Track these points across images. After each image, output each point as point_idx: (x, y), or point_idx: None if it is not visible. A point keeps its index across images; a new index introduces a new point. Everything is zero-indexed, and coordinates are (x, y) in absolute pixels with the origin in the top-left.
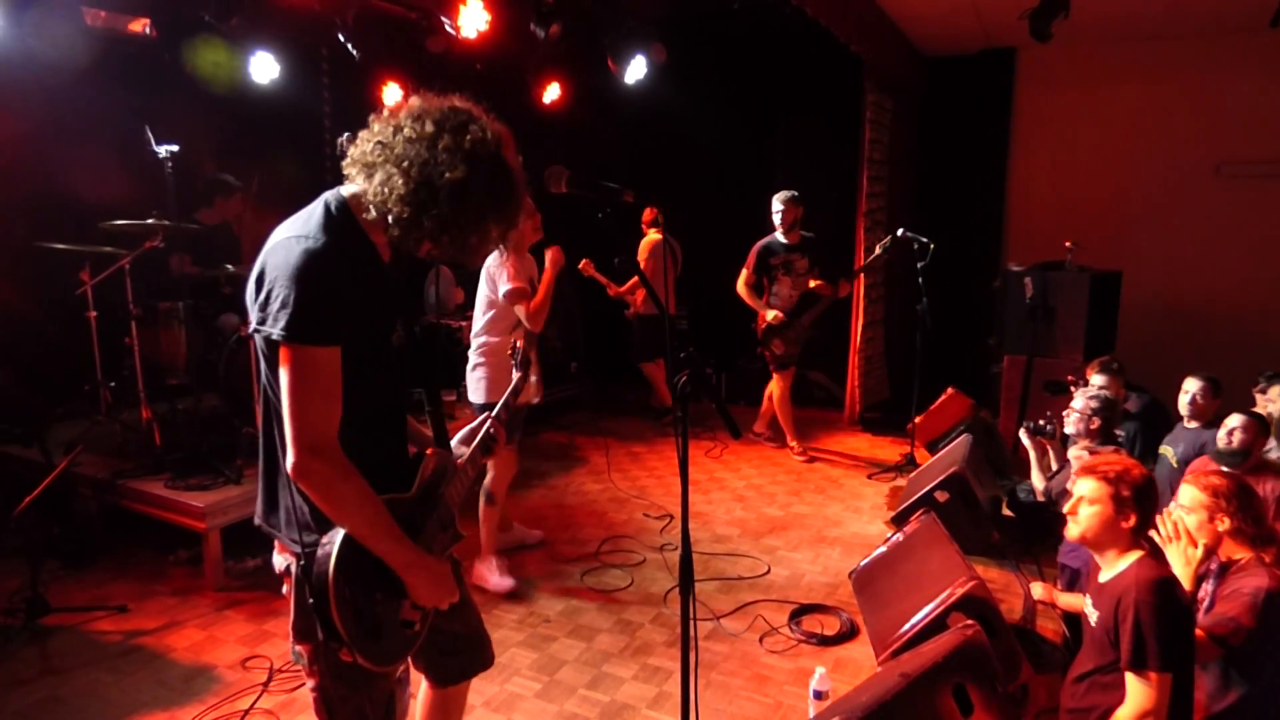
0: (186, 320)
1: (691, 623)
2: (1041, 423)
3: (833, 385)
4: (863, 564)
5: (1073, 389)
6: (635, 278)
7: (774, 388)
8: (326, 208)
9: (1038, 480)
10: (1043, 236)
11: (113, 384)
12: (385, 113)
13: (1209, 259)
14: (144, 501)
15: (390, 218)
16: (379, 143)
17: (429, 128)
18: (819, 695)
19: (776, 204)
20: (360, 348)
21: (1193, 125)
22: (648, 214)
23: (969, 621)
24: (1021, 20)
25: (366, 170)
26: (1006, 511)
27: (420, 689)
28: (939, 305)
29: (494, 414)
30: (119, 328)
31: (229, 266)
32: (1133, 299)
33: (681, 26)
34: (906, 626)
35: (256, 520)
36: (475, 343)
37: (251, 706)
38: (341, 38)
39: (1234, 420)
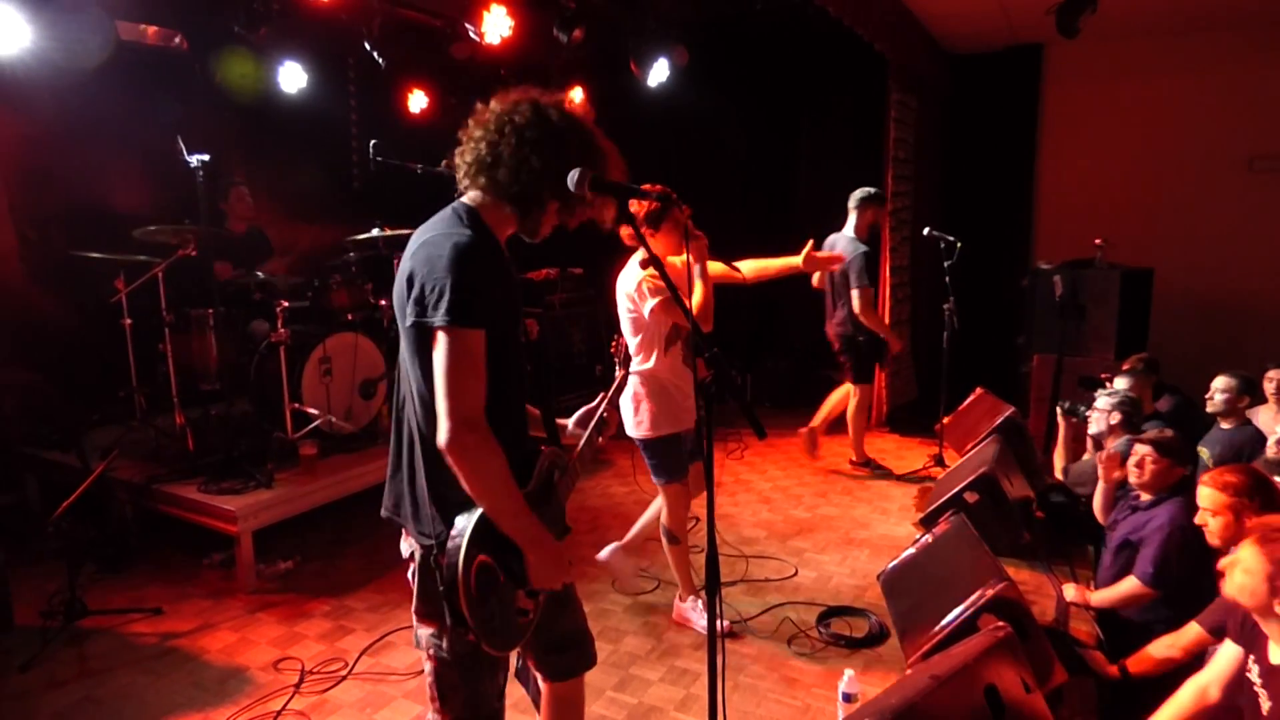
0: (218, 326)
1: (719, 624)
2: (1081, 406)
3: None
4: (891, 566)
5: (1108, 384)
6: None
7: (860, 399)
8: (456, 212)
9: (1058, 458)
10: (1072, 234)
11: (147, 390)
12: (472, 123)
13: (1243, 254)
14: (178, 505)
15: (526, 198)
16: (489, 144)
17: (529, 112)
18: (848, 698)
19: (876, 204)
20: (493, 339)
21: (1225, 119)
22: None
23: (1000, 623)
24: (1048, 16)
25: (487, 171)
26: (1037, 512)
27: (541, 687)
28: (967, 304)
29: (609, 397)
30: (153, 334)
31: (259, 274)
32: (1165, 296)
33: (704, 29)
34: (936, 629)
35: (384, 512)
36: (632, 373)
37: (284, 708)
38: (367, 46)
39: None
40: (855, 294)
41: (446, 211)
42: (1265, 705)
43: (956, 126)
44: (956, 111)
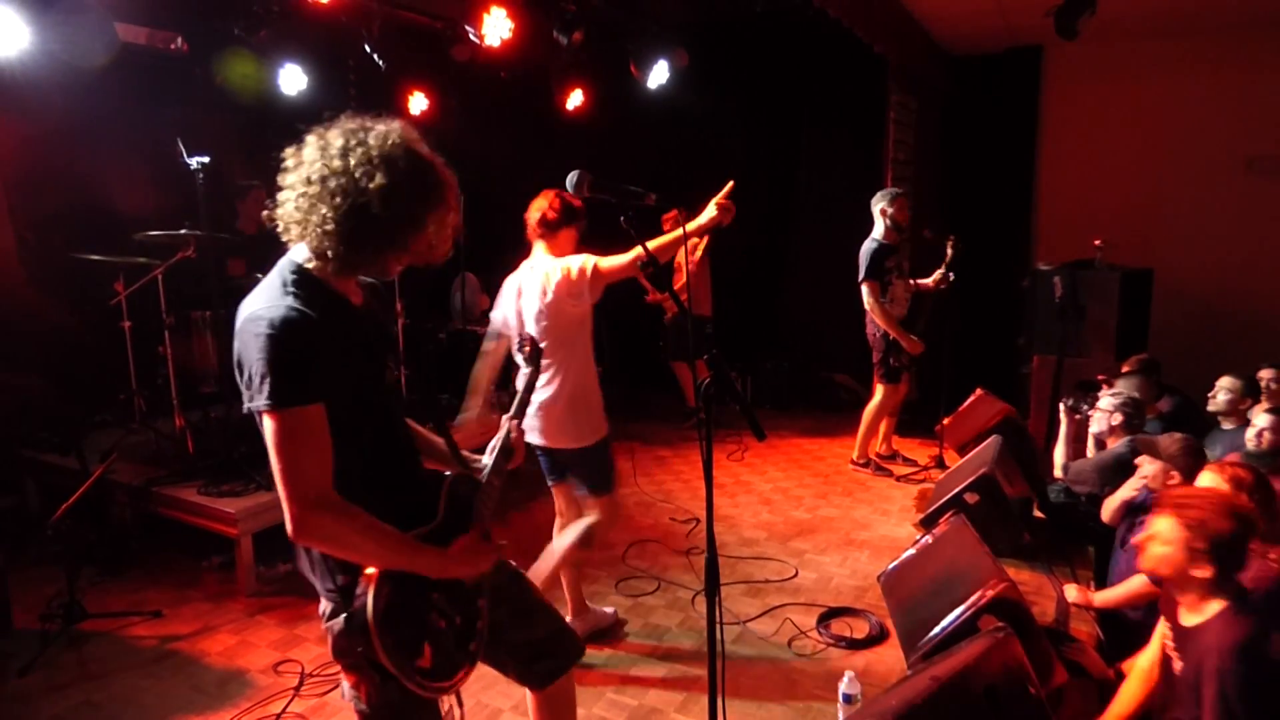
0: (218, 329)
1: (719, 627)
2: (1084, 403)
3: (859, 387)
4: (892, 567)
5: (1105, 387)
6: (677, 285)
7: (882, 400)
8: (282, 276)
9: (1059, 454)
10: (1072, 235)
11: (147, 392)
12: (290, 164)
13: (1242, 255)
14: (178, 508)
15: (339, 255)
16: (300, 194)
17: (336, 156)
18: (848, 699)
19: (886, 202)
20: (348, 400)
21: (1224, 120)
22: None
23: (1000, 624)
24: (1047, 18)
25: (299, 225)
26: (1037, 513)
27: (526, 697)
28: (967, 305)
29: (512, 415)
30: (152, 337)
31: (259, 275)
32: (1165, 297)
33: (703, 30)
34: (937, 630)
35: (299, 565)
36: (555, 381)
37: (284, 710)
38: (367, 48)
39: (1262, 420)
40: (863, 294)
41: (272, 274)
42: (1177, 666)
43: (956, 128)
44: (956, 113)
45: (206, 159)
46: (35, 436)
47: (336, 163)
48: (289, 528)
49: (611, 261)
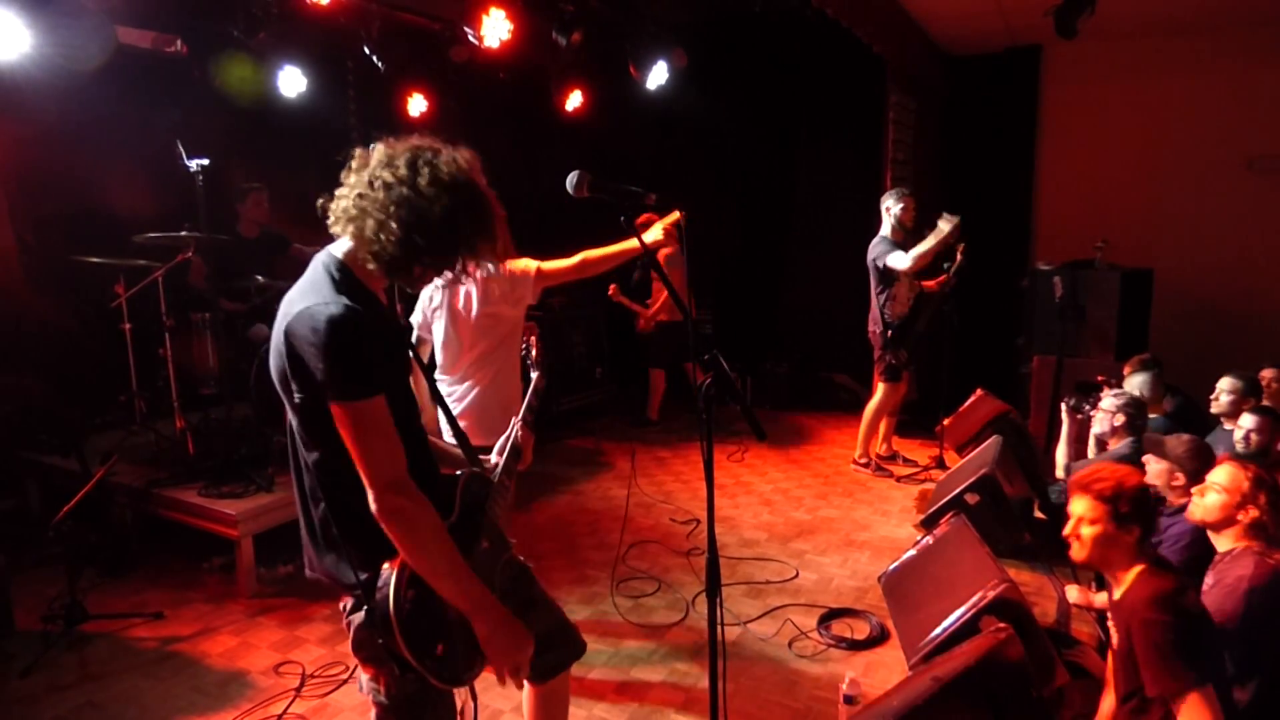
0: (218, 331)
1: (719, 627)
2: (1087, 406)
3: (859, 387)
4: (892, 567)
5: (1105, 388)
6: (659, 299)
7: (882, 399)
8: (327, 270)
9: (1061, 454)
10: (1072, 235)
11: (147, 394)
12: (354, 164)
13: (1243, 255)
14: (178, 510)
15: (389, 261)
16: (359, 194)
17: (404, 169)
18: (849, 700)
19: (893, 201)
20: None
21: (1224, 120)
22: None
23: (1001, 625)
24: (1046, 18)
25: (353, 223)
26: (1038, 513)
27: (524, 689)
28: (967, 305)
29: (519, 418)
30: (153, 339)
31: (259, 278)
32: (1165, 297)
33: (702, 30)
34: (938, 630)
35: (309, 573)
36: (483, 381)
37: (285, 711)
38: (366, 50)
39: (1248, 421)
40: (892, 268)
41: (318, 269)
42: (1115, 638)
43: (955, 128)
44: (955, 113)
45: (206, 161)
46: (36, 438)
47: (404, 172)
48: (372, 506)
49: (555, 265)
